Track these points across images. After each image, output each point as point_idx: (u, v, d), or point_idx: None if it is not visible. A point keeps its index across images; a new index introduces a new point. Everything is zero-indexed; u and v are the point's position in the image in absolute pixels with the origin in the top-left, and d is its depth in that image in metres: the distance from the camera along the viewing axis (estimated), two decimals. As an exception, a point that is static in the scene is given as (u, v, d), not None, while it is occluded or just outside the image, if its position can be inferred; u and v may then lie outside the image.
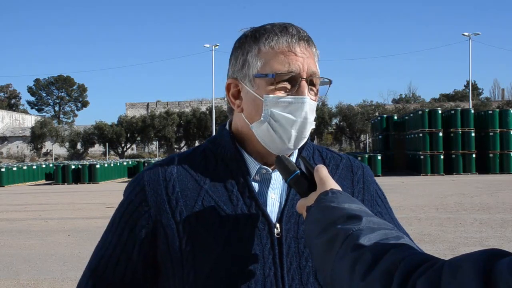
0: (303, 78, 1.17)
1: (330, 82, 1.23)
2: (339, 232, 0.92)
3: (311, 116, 1.19)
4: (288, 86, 1.17)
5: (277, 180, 1.24)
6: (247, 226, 1.18)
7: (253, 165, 1.23)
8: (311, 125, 1.20)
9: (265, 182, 1.24)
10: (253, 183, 1.23)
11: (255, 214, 1.19)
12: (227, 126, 1.31)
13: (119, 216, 1.25)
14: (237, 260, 1.15)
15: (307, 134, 1.21)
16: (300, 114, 1.17)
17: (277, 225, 1.19)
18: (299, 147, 1.23)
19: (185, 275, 1.17)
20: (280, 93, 1.17)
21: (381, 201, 1.34)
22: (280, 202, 1.23)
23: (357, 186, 1.31)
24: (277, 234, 1.19)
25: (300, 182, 1.10)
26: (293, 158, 1.27)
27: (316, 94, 1.22)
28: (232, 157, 1.24)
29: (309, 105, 1.17)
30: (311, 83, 1.19)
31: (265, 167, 1.24)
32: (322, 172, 1.08)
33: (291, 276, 1.17)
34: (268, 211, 1.20)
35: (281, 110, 1.17)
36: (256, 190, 1.22)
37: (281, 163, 1.13)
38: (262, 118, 1.18)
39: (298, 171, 1.11)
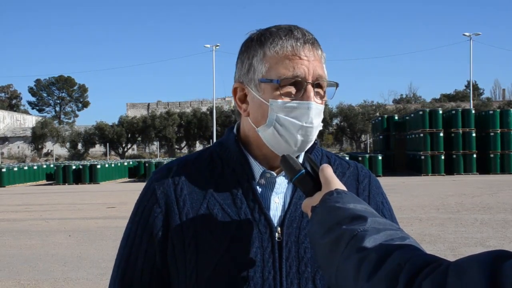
0: (309, 82, 1.16)
1: (336, 84, 1.22)
2: (344, 233, 0.91)
3: (317, 120, 1.18)
4: (294, 90, 1.17)
5: (281, 184, 1.25)
6: (249, 229, 1.19)
7: (258, 169, 1.24)
8: (317, 129, 1.20)
9: (270, 186, 1.24)
10: (257, 187, 1.23)
11: (257, 217, 1.19)
12: (234, 129, 1.31)
13: (135, 225, 1.25)
14: (238, 262, 1.16)
15: (313, 137, 1.21)
16: (306, 119, 1.16)
17: (279, 229, 1.20)
18: (305, 150, 1.23)
19: (188, 276, 1.18)
20: (286, 98, 1.16)
21: (388, 213, 1.33)
22: (284, 206, 1.23)
23: (362, 194, 1.30)
24: (278, 238, 1.19)
25: (305, 181, 1.10)
26: (300, 159, 1.27)
27: (322, 97, 1.21)
28: (237, 161, 1.25)
29: (315, 110, 1.17)
30: (317, 86, 1.19)
31: (270, 171, 1.24)
32: (327, 171, 1.07)
33: (290, 280, 1.17)
34: (271, 215, 1.21)
35: (286, 115, 1.16)
36: (260, 194, 1.23)
37: (286, 162, 1.12)
38: (267, 123, 1.18)
39: (304, 170, 1.10)
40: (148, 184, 1.28)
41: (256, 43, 1.21)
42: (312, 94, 1.16)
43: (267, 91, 1.17)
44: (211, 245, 1.17)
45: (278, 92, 1.16)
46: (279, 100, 1.16)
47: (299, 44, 1.17)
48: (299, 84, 1.16)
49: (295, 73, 1.15)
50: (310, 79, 1.16)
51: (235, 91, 1.26)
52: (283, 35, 1.18)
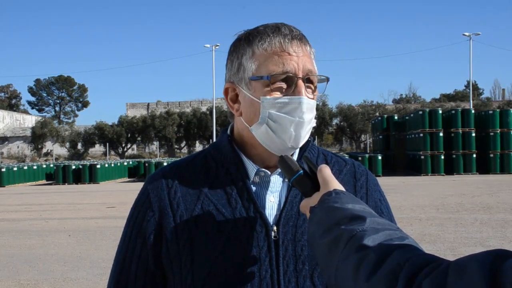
0: (299, 77, 1.16)
1: (327, 79, 1.23)
2: (343, 233, 0.91)
3: (309, 115, 1.18)
4: (284, 86, 1.17)
5: (276, 183, 1.24)
6: (245, 228, 1.18)
7: (252, 168, 1.23)
8: (310, 124, 1.20)
9: (264, 185, 1.24)
10: (252, 186, 1.23)
11: (253, 216, 1.19)
12: (228, 130, 1.31)
13: (130, 229, 1.26)
14: (234, 262, 1.16)
15: (306, 133, 1.20)
16: (298, 114, 1.16)
17: (275, 227, 1.19)
18: (300, 146, 1.22)
19: (184, 278, 1.17)
20: (277, 94, 1.16)
21: (386, 211, 1.32)
22: (279, 205, 1.23)
23: (360, 192, 1.30)
24: (274, 236, 1.18)
25: (304, 182, 1.09)
26: (295, 157, 1.26)
27: (314, 92, 1.21)
28: (231, 161, 1.25)
29: (307, 105, 1.17)
30: (308, 81, 1.19)
31: (264, 169, 1.24)
32: (326, 172, 1.07)
33: (288, 279, 1.17)
34: (267, 214, 1.20)
35: (278, 110, 1.16)
36: (255, 193, 1.22)
37: (284, 163, 1.12)
38: (260, 120, 1.18)
39: (302, 171, 1.10)
40: (143, 189, 1.28)
41: (244, 42, 1.22)
42: (303, 89, 1.16)
43: (258, 88, 1.18)
44: (207, 246, 1.16)
45: (268, 89, 1.16)
46: (270, 97, 1.16)
47: (287, 40, 1.17)
48: (289, 80, 1.16)
49: (285, 69, 1.16)
50: (300, 74, 1.17)
51: (226, 91, 1.26)
52: (271, 32, 1.19)
